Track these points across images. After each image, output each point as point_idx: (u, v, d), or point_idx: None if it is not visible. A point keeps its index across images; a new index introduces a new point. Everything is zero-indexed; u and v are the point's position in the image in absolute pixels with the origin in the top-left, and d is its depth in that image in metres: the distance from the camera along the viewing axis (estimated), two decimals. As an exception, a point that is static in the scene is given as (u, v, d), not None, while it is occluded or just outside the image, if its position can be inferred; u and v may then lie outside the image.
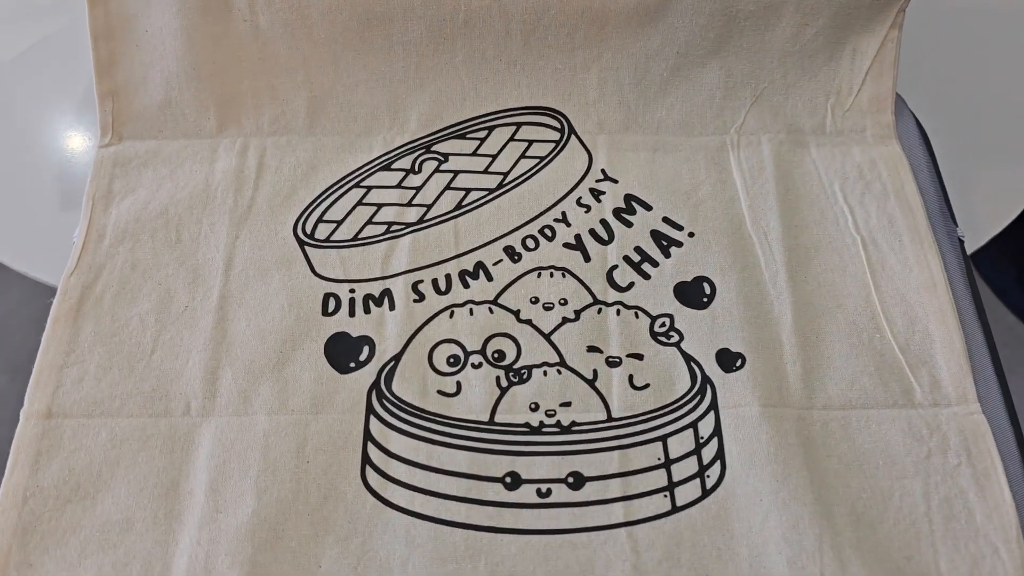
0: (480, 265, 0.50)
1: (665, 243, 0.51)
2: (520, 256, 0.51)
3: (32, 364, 0.47)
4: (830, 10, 0.53)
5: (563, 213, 0.52)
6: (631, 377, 0.47)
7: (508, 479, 0.44)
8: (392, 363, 0.47)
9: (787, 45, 0.55)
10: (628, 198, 0.53)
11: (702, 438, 0.45)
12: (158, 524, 0.42)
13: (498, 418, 0.45)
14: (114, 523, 0.42)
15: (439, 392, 0.46)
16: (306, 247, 0.51)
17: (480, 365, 0.47)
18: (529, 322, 0.48)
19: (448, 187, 0.53)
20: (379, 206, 0.52)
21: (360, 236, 0.51)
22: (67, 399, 0.46)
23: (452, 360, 0.47)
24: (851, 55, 0.55)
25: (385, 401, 0.46)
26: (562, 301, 0.49)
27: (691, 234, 0.52)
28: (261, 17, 0.53)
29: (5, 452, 0.44)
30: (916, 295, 0.49)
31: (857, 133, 0.55)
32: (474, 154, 0.54)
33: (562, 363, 0.47)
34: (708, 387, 0.46)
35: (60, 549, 0.42)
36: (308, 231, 0.51)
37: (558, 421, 0.45)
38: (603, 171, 0.54)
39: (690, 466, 0.44)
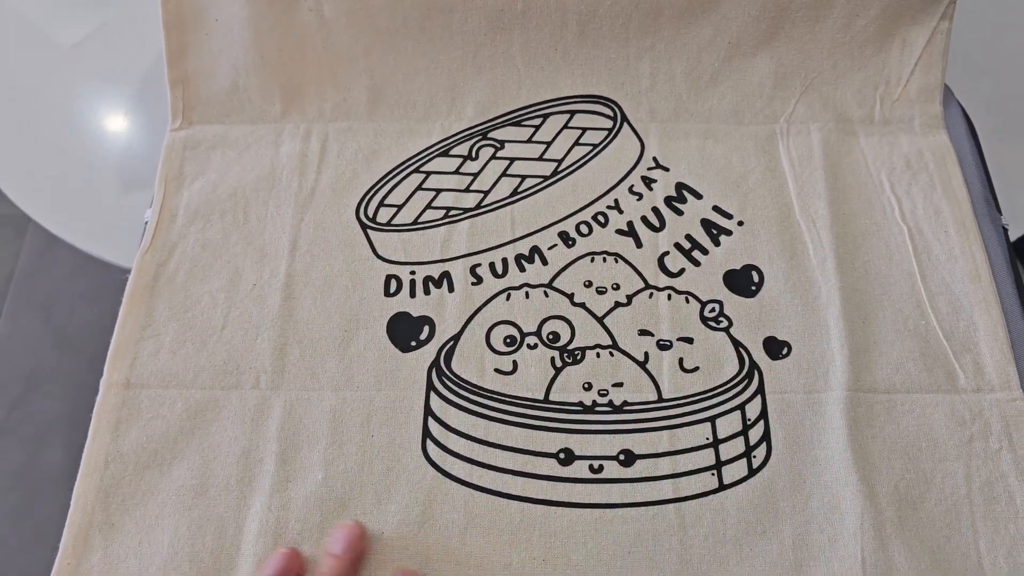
0: (536, 249, 0.52)
1: (715, 231, 0.52)
2: (574, 241, 0.52)
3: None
4: (881, 1, 0.54)
5: (615, 201, 0.54)
6: (681, 360, 0.48)
7: (562, 455, 0.46)
8: (451, 343, 0.49)
9: (838, 36, 0.55)
10: (679, 186, 0.54)
11: (749, 420, 0.47)
12: (230, 490, 0.45)
13: (553, 397, 0.47)
14: (189, 487, 0.45)
15: (496, 370, 0.48)
16: (368, 230, 0.53)
17: (536, 346, 0.49)
18: (583, 305, 0.50)
19: (504, 174, 0.55)
20: (438, 191, 0.54)
21: (420, 220, 0.53)
22: (144, 370, 0.48)
23: (509, 340, 0.49)
24: (901, 46, 0.56)
25: (444, 378, 0.48)
26: (615, 286, 0.51)
27: (740, 223, 0.53)
28: (326, 7, 0.54)
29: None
30: (961, 285, 0.50)
31: (905, 123, 0.56)
32: (529, 141, 0.56)
33: (614, 345, 0.49)
34: (755, 372, 0.48)
35: (139, 510, 0.44)
36: (370, 214, 0.53)
37: (610, 401, 0.47)
38: (655, 159, 0.55)
39: (737, 446, 0.46)
